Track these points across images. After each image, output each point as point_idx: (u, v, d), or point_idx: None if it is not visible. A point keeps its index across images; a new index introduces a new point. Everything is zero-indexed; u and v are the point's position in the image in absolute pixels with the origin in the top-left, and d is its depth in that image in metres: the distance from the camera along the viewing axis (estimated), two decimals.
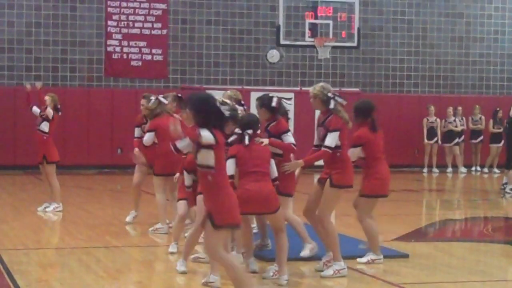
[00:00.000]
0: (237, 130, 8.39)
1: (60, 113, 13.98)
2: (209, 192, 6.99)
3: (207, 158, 6.85)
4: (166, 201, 11.64)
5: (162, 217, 11.65)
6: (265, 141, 8.52)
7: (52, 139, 13.79)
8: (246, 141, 8.25)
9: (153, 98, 11.80)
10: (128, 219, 12.38)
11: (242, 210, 8.04)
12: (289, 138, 8.93)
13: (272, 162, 8.42)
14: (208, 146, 6.81)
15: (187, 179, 9.36)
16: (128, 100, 22.04)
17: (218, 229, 6.92)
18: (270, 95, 9.19)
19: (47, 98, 13.69)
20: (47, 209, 13.69)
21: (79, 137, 22.03)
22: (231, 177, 8.08)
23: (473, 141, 24.33)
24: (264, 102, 9.05)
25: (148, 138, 11.57)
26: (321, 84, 8.98)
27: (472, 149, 24.40)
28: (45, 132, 13.66)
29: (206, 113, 6.88)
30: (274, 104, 8.99)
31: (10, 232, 11.67)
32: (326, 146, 8.67)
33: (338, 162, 8.78)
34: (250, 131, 8.30)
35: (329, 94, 8.73)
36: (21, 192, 17.34)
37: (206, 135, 6.79)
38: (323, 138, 8.74)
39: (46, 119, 13.65)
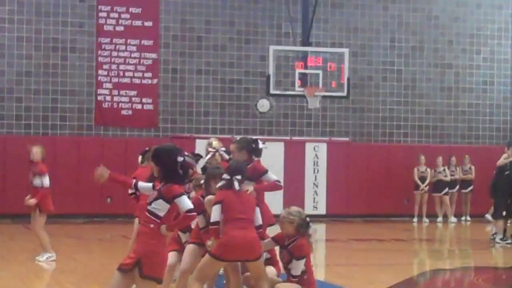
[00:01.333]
0: (225, 176, 8.44)
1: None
2: (146, 240, 6.89)
3: (162, 209, 6.87)
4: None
5: None
6: (250, 188, 8.55)
7: (48, 191, 13.63)
8: (236, 186, 8.28)
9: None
10: None
11: (226, 257, 8.06)
12: (272, 176, 9.00)
13: (257, 209, 8.43)
14: (169, 200, 6.85)
15: (202, 221, 9.20)
16: (118, 149, 22.07)
17: (145, 278, 6.77)
18: (249, 137, 9.27)
19: (37, 150, 13.44)
20: (40, 259, 13.52)
21: (69, 186, 21.93)
22: (216, 223, 8.09)
23: (463, 190, 24.32)
24: (245, 144, 9.12)
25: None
26: (296, 209, 8.80)
27: (462, 198, 24.40)
28: (42, 187, 13.46)
29: (164, 165, 6.99)
30: (261, 146, 9.06)
31: None
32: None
33: None
34: (239, 177, 8.34)
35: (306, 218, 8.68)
36: (9, 241, 17.21)
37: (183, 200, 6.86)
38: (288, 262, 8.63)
39: (39, 173, 13.40)
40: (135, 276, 6.80)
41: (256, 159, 9.18)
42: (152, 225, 6.84)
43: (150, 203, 6.95)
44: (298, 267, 8.48)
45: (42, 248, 13.70)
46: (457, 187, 24.17)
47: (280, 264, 8.90)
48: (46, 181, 13.51)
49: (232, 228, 8.13)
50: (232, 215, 8.18)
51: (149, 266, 6.77)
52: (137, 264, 6.79)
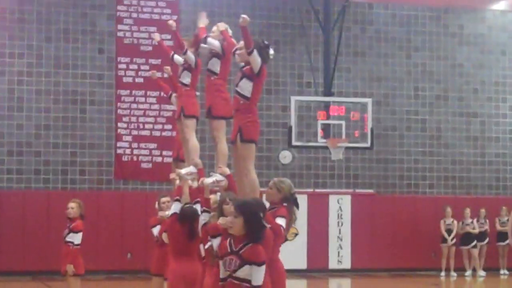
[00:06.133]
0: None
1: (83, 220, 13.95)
2: None
3: (250, 274, 6.79)
4: None
5: None
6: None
7: (79, 250, 13.81)
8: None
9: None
10: None
11: None
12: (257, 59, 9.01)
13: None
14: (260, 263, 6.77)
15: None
16: (138, 204, 22.79)
17: None
18: (262, 40, 9.54)
19: (73, 205, 13.77)
20: None
21: (88, 241, 22.35)
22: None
23: (501, 243, 24.56)
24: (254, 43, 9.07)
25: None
26: (289, 181, 8.98)
27: (499, 252, 24.82)
28: (73, 244, 13.68)
29: (252, 222, 6.87)
30: (272, 52, 9.30)
31: None
32: None
33: None
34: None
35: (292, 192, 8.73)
36: None
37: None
38: None
39: (73, 230, 13.69)
40: None
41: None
42: None
43: (235, 271, 6.80)
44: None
45: None
46: (487, 239, 24.62)
47: None
48: (77, 239, 13.76)
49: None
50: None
51: None
52: None
